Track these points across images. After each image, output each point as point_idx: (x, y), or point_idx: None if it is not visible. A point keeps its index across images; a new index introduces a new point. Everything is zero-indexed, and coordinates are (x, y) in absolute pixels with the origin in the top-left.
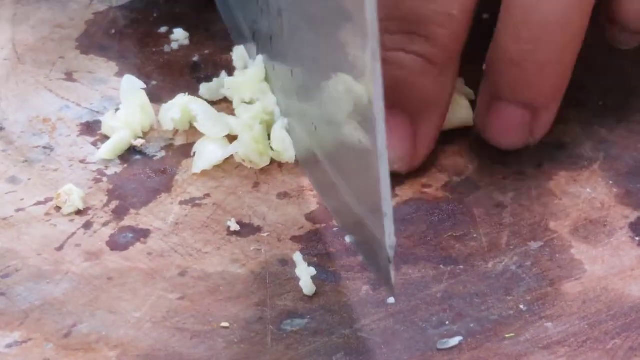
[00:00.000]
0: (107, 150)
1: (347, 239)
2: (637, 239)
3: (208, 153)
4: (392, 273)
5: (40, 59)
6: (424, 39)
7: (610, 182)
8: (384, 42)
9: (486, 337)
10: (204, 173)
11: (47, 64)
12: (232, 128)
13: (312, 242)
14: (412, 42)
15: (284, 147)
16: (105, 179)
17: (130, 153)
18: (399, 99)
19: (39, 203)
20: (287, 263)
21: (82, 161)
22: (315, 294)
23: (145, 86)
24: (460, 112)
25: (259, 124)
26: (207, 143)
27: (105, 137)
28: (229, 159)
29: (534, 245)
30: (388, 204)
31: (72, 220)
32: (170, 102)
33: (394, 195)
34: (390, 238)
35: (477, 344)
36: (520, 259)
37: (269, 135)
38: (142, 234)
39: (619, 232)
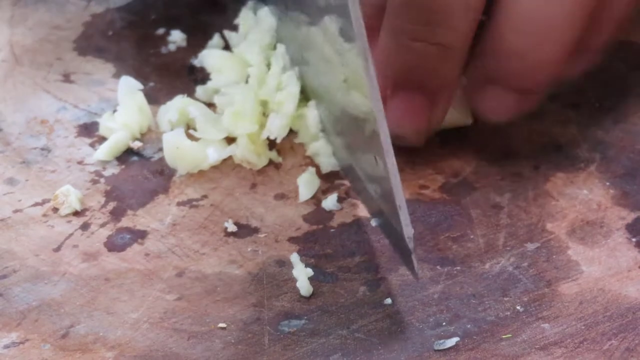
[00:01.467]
0: (104, 151)
1: (373, 222)
2: (633, 240)
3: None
4: (415, 261)
5: (37, 60)
6: (445, 28)
7: (607, 183)
8: (406, 31)
9: (483, 337)
10: (202, 174)
11: (45, 66)
12: (230, 130)
13: (309, 243)
14: (434, 33)
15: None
16: (102, 180)
17: (127, 154)
18: (417, 82)
19: (36, 204)
20: (284, 264)
21: (79, 162)
22: (313, 295)
23: (142, 87)
24: (461, 112)
25: (256, 125)
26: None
27: (103, 139)
28: (226, 161)
29: (531, 246)
30: (400, 197)
31: (69, 222)
32: (167, 104)
33: None
34: (407, 229)
35: (474, 344)
36: (517, 260)
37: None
38: (140, 235)
39: (615, 233)
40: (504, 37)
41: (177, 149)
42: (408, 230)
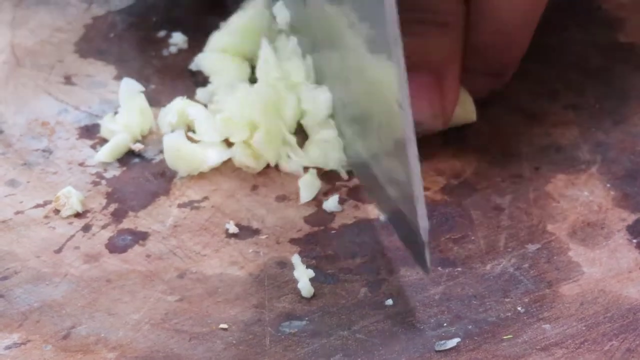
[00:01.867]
0: (105, 153)
1: (381, 217)
2: (634, 241)
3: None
4: (428, 255)
5: (39, 62)
6: (438, 11)
7: (608, 185)
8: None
9: (484, 338)
10: (203, 176)
11: (46, 68)
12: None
13: (311, 244)
14: (430, 15)
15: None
16: (104, 181)
17: (129, 156)
18: (421, 62)
19: (38, 206)
20: (285, 265)
21: (81, 164)
22: (314, 296)
23: (144, 89)
24: (464, 109)
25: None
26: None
27: (104, 140)
28: (226, 162)
29: (532, 247)
30: (419, 187)
31: (71, 223)
32: (168, 106)
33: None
34: (423, 221)
35: (475, 345)
36: (518, 261)
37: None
38: (141, 237)
39: (616, 235)
40: (479, 37)
41: (177, 151)
42: (423, 222)
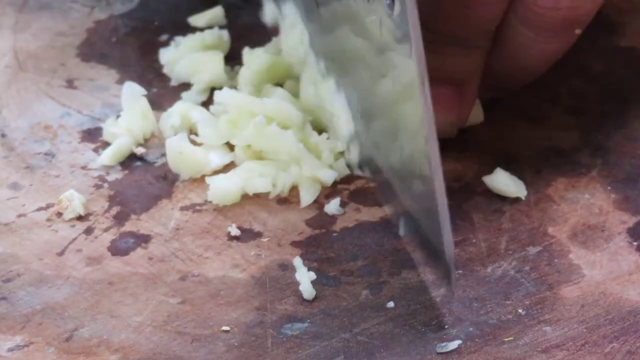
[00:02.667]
0: (108, 156)
1: (401, 231)
2: (635, 243)
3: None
4: (454, 279)
5: (41, 66)
6: (465, 34)
7: (609, 187)
8: (434, 38)
9: (485, 340)
10: (204, 179)
11: (49, 72)
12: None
13: (312, 247)
14: (459, 37)
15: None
16: (106, 185)
17: (131, 159)
18: (444, 76)
19: (40, 209)
20: (287, 268)
21: (83, 167)
22: (315, 298)
23: (146, 93)
24: (473, 110)
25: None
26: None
27: (107, 144)
28: (228, 166)
29: (533, 250)
30: (445, 215)
31: (73, 226)
32: (169, 110)
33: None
34: (449, 249)
35: (476, 347)
36: (518, 263)
37: None
38: (143, 239)
39: (617, 237)
40: (500, 61)
41: (180, 154)
42: (450, 250)
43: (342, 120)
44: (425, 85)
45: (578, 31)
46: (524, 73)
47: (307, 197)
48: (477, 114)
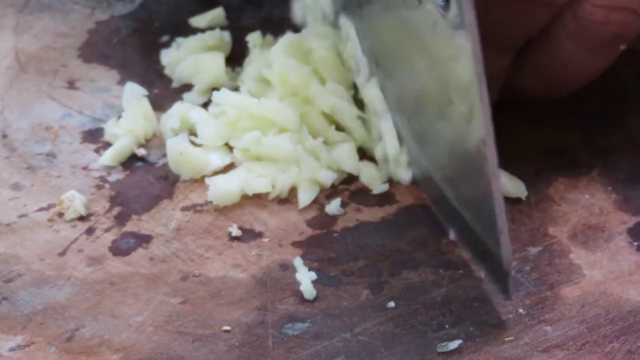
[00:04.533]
0: (109, 157)
1: (451, 234)
2: (635, 244)
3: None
4: (511, 283)
5: (42, 67)
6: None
7: (609, 188)
8: None
9: (485, 340)
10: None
11: (50, 73)
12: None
13: (313, 247)
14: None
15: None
16: (107, 185)
17: (132, 160)
18: None
19: (41, 209)
20: (287, 268)
21: (84, 168)
22: (316, 298)
23: (147, 94)
24: None
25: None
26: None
27: (108, 144)
28: (229, 166)
29: (533, 250)
30: (502, 220)
31: (74, 226)
32: (169, 111)
33: (394, 201)
34: (507, 254)
35: (477, 347)
36: (519, 263)
37: None
38: (144, 240)
39: (617, 238)
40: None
41: (180, 155)
42: (507, 255)
43: (389, 139)
44: (482, 86)
45: (623, 47)
46: (558, 87)
47: (305, 198)
48: None
